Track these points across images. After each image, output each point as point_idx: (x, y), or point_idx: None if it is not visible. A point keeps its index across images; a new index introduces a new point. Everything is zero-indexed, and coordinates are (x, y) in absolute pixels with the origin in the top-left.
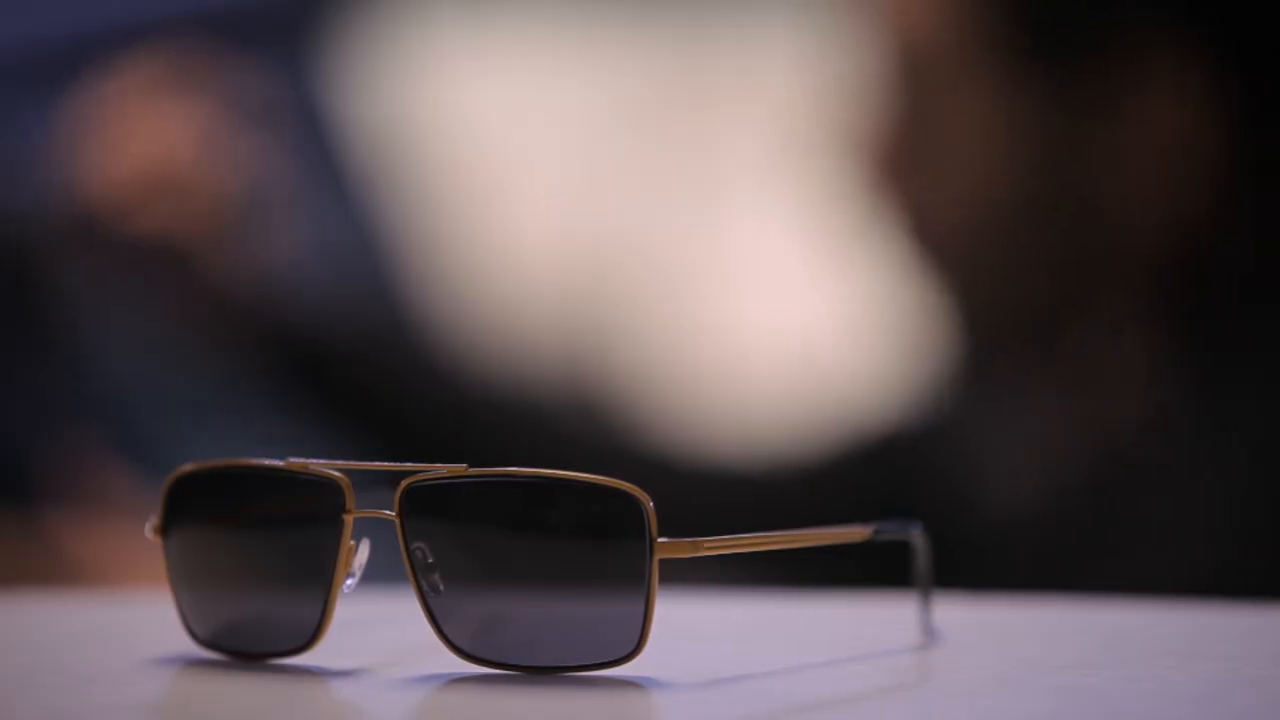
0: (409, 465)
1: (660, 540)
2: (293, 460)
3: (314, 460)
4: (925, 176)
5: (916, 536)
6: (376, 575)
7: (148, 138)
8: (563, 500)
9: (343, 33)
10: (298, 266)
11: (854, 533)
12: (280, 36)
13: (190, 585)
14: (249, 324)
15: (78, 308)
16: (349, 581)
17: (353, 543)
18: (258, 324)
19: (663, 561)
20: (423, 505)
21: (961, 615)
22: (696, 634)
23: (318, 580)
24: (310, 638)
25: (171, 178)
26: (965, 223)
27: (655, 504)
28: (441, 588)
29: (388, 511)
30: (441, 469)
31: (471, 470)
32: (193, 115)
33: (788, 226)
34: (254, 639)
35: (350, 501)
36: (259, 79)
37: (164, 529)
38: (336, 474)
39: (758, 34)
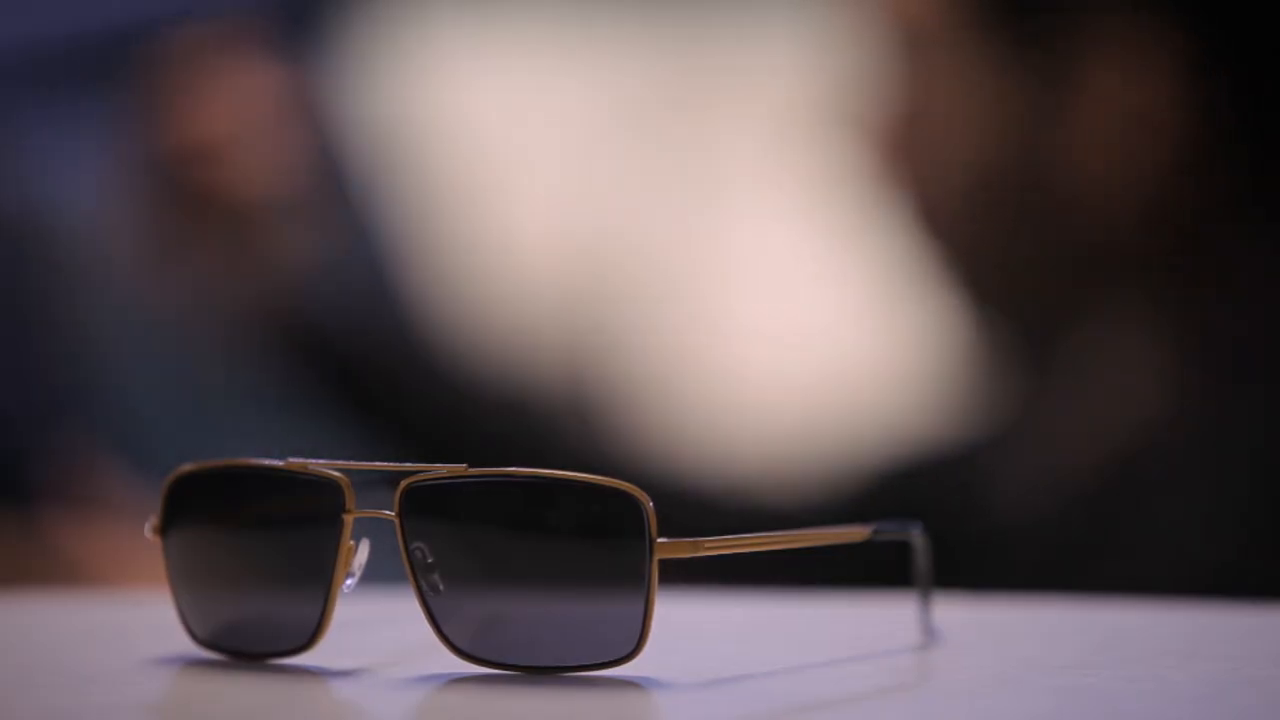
0: (409, 465)
1: (660, 540)
2: (292, 460)
3: (314, 460)
4: (928, 164)
5: (916, 536)
6: (376, 575)
7: (216, 100)
8: (563, 500)
9: (343, 33)
10: (320, 267)
11: (854, 533)
12: (280, 37)
13: (190, 585)
14: (257, 324)
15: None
16: (349, 581)
17: (352, 543)
18: (261, 325)
19: (662, 561)
20: (422, 505)
21: (961, 615)
22: (696, 634)
23: (317, 580)
24: (310, 638)
25: (239, 138)
26: (968, 213)
27: (655, 504)
28: (441, 588)
29: (387, 511)
30: (441, 469)
31: (471, 470)
32: (260, 82)
33: (788, 226)
34: (254, 639)
35: (350, 501)
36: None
37: (163, 529)
38: (336, 474)
39: (758, 34)
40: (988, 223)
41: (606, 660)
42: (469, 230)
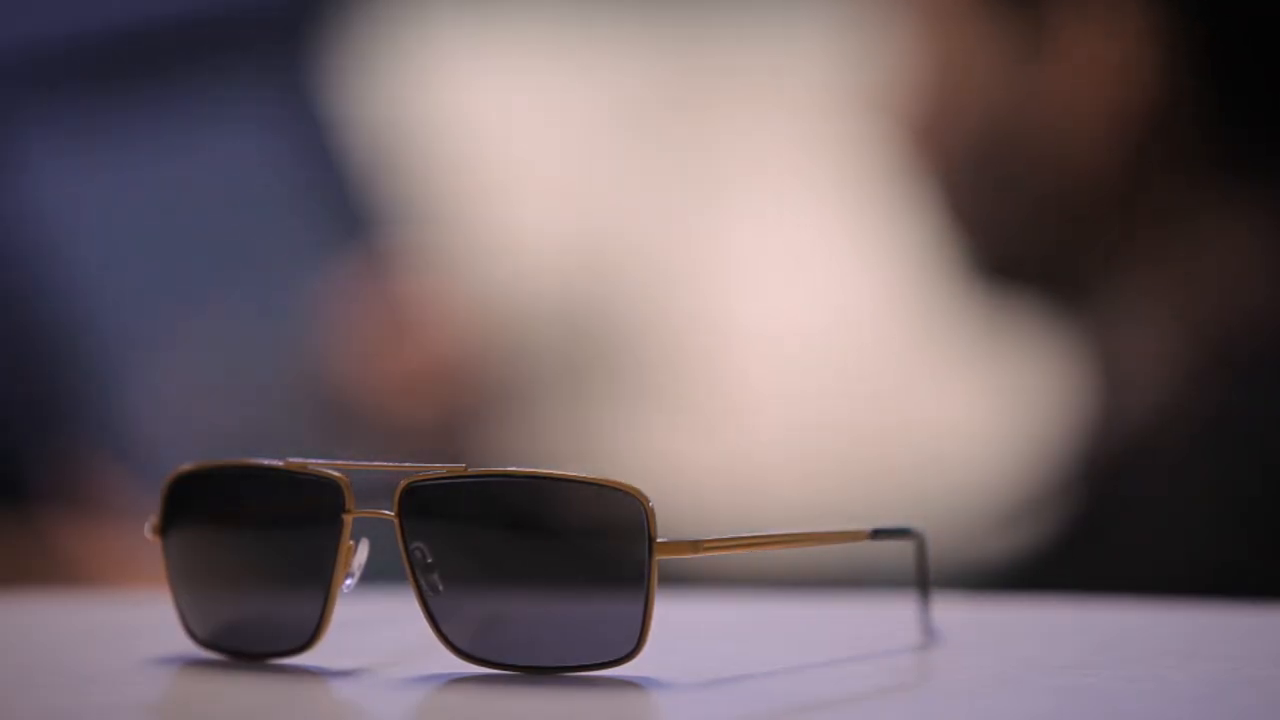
0: (408, 465)
1: (660, 540)
2: (292, 460)
3: (313, 460)
4: (954, 146)
5: (917, 536)
6: (376, 575)
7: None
8: (562, 500)
9: (343, 33)
10: None
11: (854, 533)
12: (280, 37)
13: (190, 585)
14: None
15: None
16: (348, 581)
17: (352, 543)
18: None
19: (662, 561)
20: (422, 505)
21: (961, 615)
22: (696, 634)
23: (317, 580)
24: (310, 638)
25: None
26: (986, 195)
27: (655, 504)
28: (441, 588)
29: (387, 511)
30: (440, 469)
31: (470, 470)
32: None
33: (788, 224)
34: (254, 639)
35: (350, 501)
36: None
37: (163, 529)
38: (336, 474)
39: (759, 33)
40: (1002, 204)
41: (606, 660)
42: (469, 230)
